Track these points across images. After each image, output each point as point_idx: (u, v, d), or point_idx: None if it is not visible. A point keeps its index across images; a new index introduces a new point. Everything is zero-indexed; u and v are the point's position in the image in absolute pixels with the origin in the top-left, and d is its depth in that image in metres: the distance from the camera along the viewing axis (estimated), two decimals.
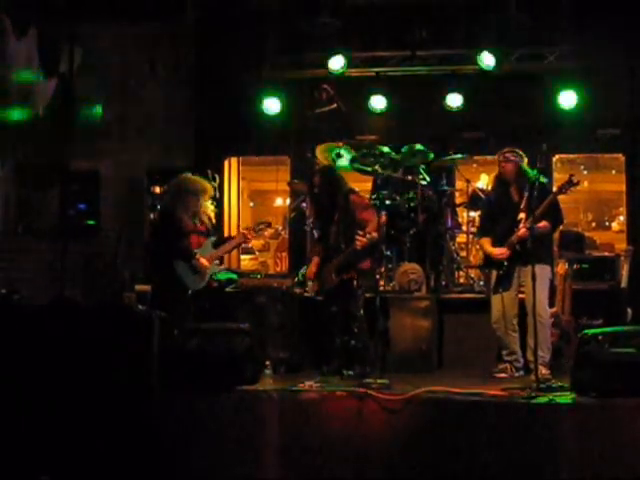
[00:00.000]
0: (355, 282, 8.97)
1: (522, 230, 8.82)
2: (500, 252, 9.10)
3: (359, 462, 7.40)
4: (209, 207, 9.54)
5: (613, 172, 15.46)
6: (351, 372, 8.81)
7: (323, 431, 7.52)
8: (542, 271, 8.70)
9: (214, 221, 10.44)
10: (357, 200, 9.22)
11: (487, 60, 12.35)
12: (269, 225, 10.13)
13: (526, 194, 8.82)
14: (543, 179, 9.06)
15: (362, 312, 8.99)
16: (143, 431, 7.47)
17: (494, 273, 9.23)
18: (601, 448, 7.06)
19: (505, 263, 9.07)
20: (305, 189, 10.27)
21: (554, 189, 9.35)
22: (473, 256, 11.61)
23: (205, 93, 13.70)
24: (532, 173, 8.85)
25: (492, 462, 7.21)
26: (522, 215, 8.85)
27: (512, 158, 9.07)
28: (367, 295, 9.23)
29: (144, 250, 9.82)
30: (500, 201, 9.25)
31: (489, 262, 9.32)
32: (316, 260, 9.29)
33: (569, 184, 8.79)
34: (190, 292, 9.20)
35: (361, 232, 8.78)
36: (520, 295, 9.15)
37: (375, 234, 8.87)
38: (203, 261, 9.22)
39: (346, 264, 8.98)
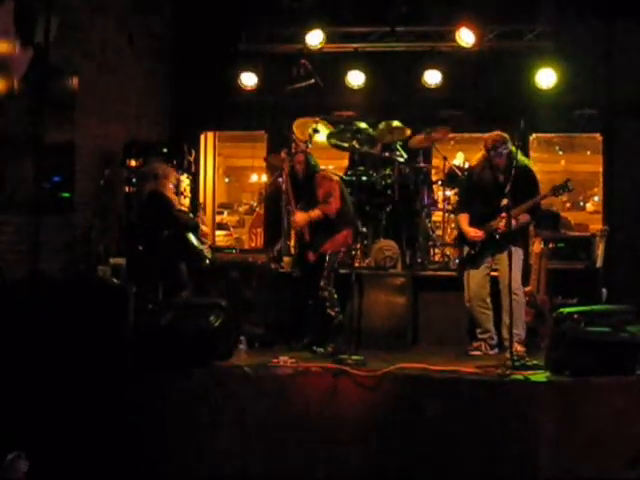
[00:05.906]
0: (327, 258, 9.00)
1: (503, 223, 8.72)
2: (475, 234, 9.07)
3: (333, 438, 7.42)
4: (185, 181, 9.48)
5: (588, 153, 15.50)
6: (322, 349, 8.84)
7: (297, 407, 7.52)
8: (515, 253, 8.63)
9: (189, 195, 10.44)
10: (320, 176, 9.28)
11: (466, 37, 12.34)
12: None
13: (511, 178, 8.74)
14: (528, 162, 9.07)
15: (333, 289, 9.03)
16: (116, 405, 7.46)
17: (466, 250, 9.25)
18: (575, 426, 7.10)
19: (479, 243, 9.08)
20: (282, 164, 10.19)
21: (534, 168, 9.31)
22: (449, 234, 11.60)
23: (182, 67, 13.63)
24: (520, 157, 8.75)
25: (466, 439, 7.25)
26: (505, 201, 8.70)
27: (505, 152, 8.94)
28: (342, 271, 9.23)
29: (140, 231, 9.68)
30: (485, 179, 9.11)
31: (463, 239, 9.31)
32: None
33: (564, 188, 8.77)
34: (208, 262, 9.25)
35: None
36: (493, 273, 9.16)
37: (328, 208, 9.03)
38: (204, 228, 9.25)
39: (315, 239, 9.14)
